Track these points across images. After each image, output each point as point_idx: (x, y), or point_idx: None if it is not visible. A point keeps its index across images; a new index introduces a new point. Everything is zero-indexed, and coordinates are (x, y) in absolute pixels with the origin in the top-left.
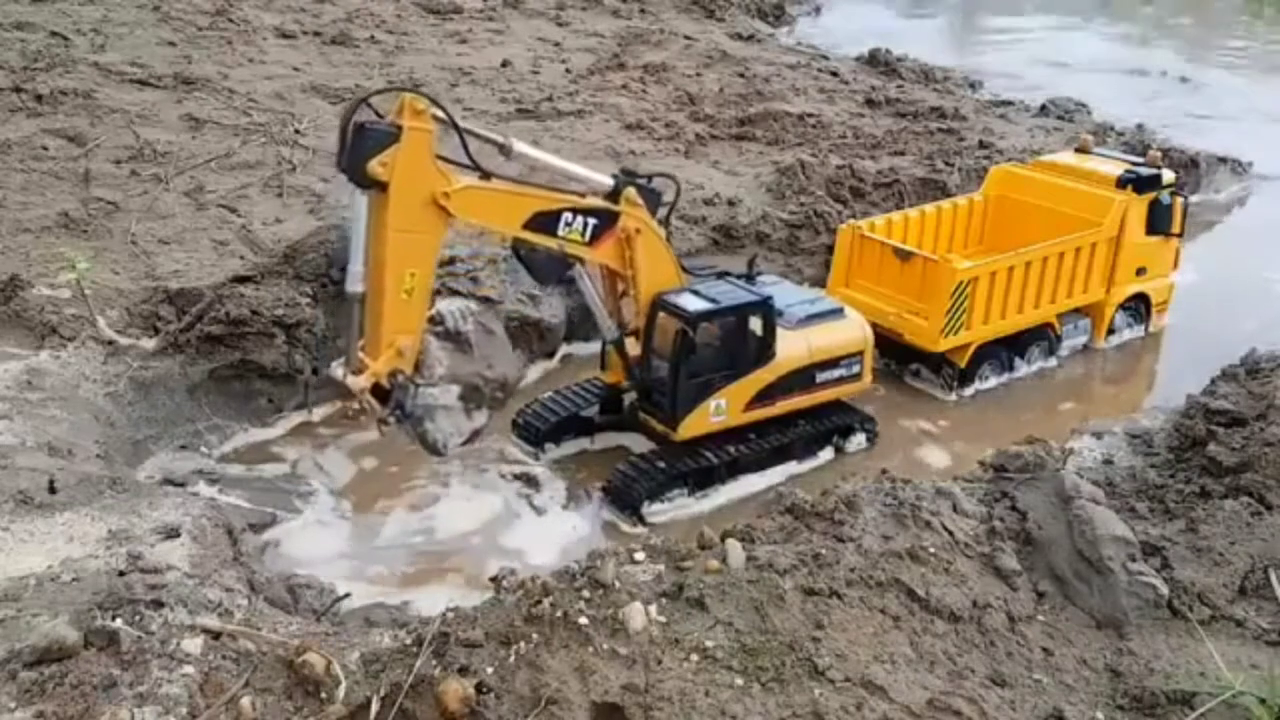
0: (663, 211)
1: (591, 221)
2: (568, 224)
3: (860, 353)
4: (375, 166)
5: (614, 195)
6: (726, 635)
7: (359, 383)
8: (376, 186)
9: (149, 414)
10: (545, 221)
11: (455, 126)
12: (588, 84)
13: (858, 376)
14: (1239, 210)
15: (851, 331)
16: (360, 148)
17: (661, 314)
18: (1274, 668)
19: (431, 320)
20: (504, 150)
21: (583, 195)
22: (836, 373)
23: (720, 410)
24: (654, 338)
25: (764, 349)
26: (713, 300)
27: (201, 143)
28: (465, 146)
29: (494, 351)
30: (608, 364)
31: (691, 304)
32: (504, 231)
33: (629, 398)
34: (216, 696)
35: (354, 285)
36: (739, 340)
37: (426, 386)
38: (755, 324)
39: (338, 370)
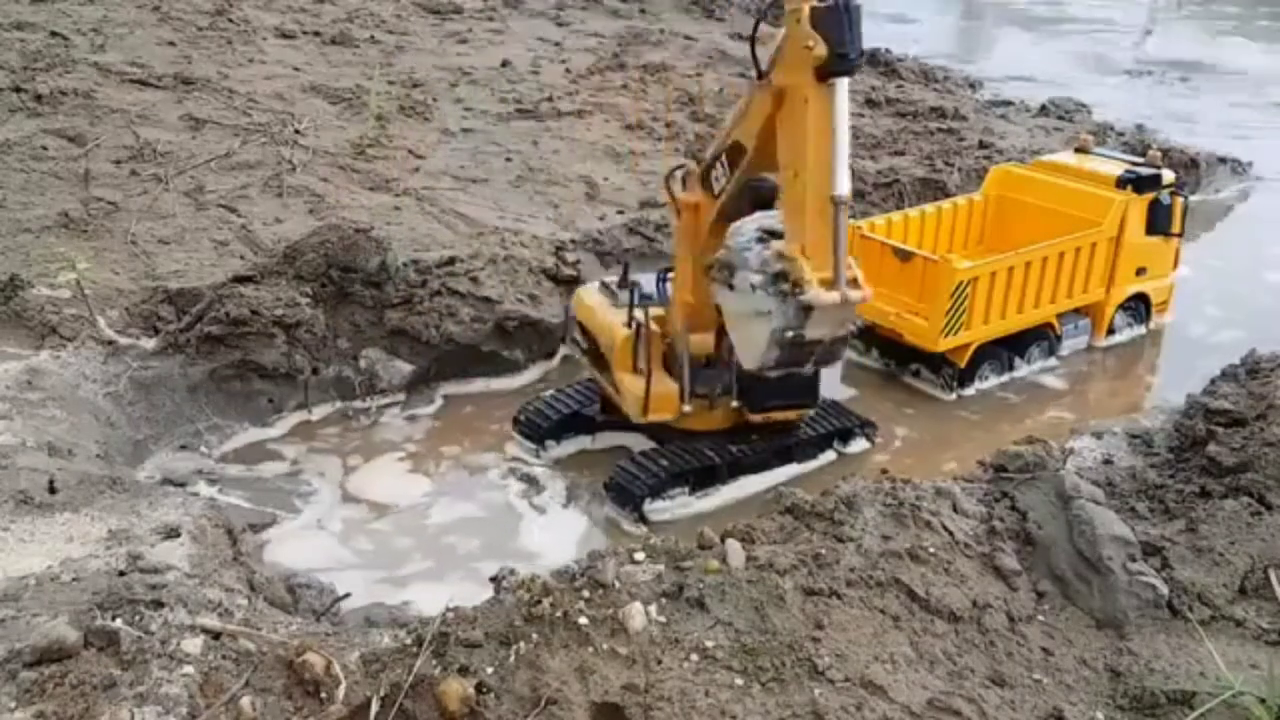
0: None
1: None
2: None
3: None
4: None
5: None
6: (726, 635)
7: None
8: None
9: (149, 414)
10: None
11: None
12: (588, 84)
13: None
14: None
15: None
16: None
17: None
18: (1274, 668)
19: None
20: None
21: None
22: None
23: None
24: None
25: None
26: None
27: (201, 143)
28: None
29: None
30: None
31: None
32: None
33: None
34: (216, 696)
35: None
36: None
37: None
38: None
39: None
